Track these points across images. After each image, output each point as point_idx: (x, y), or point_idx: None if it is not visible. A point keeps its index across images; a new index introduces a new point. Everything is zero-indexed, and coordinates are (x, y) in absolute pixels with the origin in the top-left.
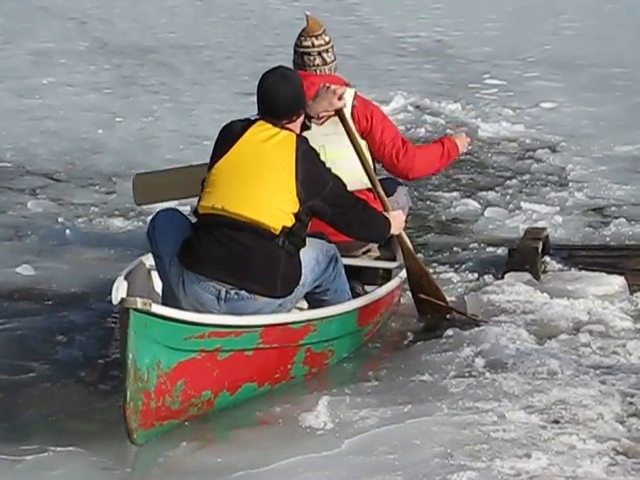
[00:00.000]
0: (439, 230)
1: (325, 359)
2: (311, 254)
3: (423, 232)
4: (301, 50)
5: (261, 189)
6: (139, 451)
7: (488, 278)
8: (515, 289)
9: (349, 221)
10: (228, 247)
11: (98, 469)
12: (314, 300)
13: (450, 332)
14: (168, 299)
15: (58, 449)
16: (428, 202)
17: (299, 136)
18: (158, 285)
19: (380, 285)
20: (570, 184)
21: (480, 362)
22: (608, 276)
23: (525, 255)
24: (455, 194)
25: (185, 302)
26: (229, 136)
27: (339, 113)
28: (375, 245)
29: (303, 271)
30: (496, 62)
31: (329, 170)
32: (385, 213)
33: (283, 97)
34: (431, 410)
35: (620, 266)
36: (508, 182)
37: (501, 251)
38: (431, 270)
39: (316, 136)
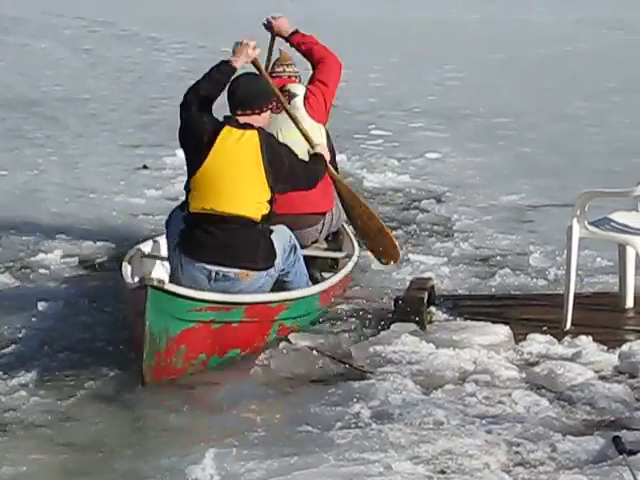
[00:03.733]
0: None
1: (293, 332)
2: (279, 244)
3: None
4: (275, 74)
5: (240, 187)
6: None
7: (374, 329)
8: (401, 339)
9: (299, 182)
10: (217, 237)
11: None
12: (279, 282)
13: (337, 383)
14: (172, 279)
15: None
16: None
17: (259, 130)
18: (148, 268)
19: (333, 272)
20: (456, 234)
21: (366, 413)
22: (493, 326)
23: (411, 305)
24: None
25: (184, 282)
26: (202, 142)
27: (254, 63)
28: (322, 237)
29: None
30: (381, 113)
31: (284, 147)
32: (314, 150)
33: (249, 90)
34: (318, 461)
35: (505, 315)
36: (394, 233)
37: (387, 301)
38: (316, 327)
39: (273, 122)
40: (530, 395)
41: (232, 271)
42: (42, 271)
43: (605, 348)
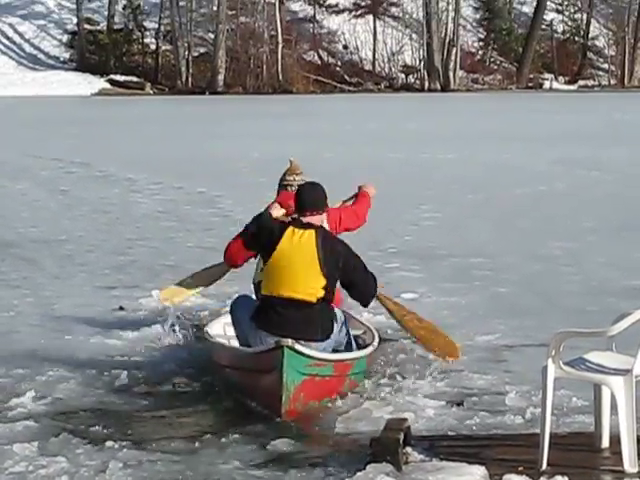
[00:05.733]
0: (303, 424)
1: (355, 387)
2: (335, 324)
3: (285, 425)
4: (285, 182)
5: (298, 276)
6: None
7: (350, 470)
8: None
9: (359, 289)
10: (283, 315)
11: None
12: (334, 350)
13: None
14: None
15: None
16: None
17: (317, 229)
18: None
19: (370, 343)
20: (432, 374)
21: None
22: (469, 466)
23: (386, 446)
24: None
25: None
26: (271, 239)
27: None
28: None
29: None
30: (357, 252)
31: (342, 245)
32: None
33: (316, 195)
34: None
35: (481, 456)
36: (371, 372)
37: (363, 442)
38: (290, 462)
39: None
40: None
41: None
42: (18, 411)
43: None
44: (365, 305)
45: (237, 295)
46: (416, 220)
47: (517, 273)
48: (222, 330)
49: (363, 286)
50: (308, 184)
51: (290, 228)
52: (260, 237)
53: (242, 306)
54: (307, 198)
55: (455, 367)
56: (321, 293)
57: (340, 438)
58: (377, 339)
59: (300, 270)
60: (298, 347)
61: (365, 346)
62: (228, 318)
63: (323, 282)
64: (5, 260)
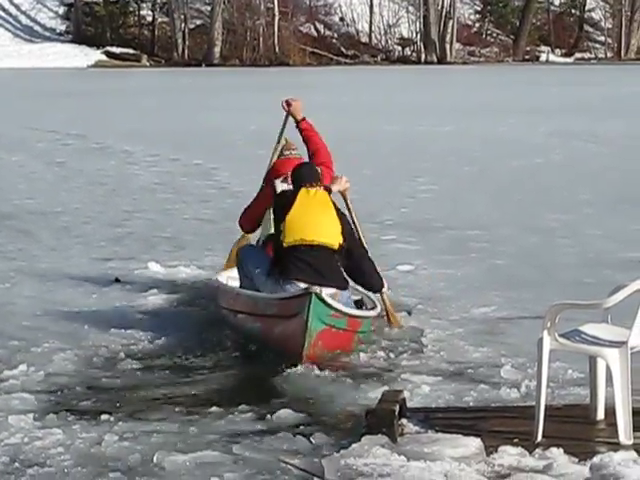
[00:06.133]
0: (300, 396)
1: (362, 344)
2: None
3: (280, 397)
4: (283, 157)
5: (322, 221)
6: None
7: (345, 441)
8: (372, 452)
9: (362, 269)
10: (309, 262)
11: None
12: None
13: None
14: None
15: None
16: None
17: (327, 190)
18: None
19: (373, 308)
20: (427, 346)
21: None
22: (465, 438)
23: (382, 418)
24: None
25: None
26: (288, 200)
27: (344, 193)
28: None
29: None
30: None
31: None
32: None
33: (311, 171)
34: None
35: (476, 428)
36: (367, 346)
37: (358, 414)
38: (285, 433)
39: None
40: None
41: (328, 291)
42: (13, 383)
43: (576, 460)
44: (367, 287)
45: (245, 246)
46: (412, 192)
47: (513, 245)
48: (227, 282)
49: (361, 261)
50: (304, 164)
51: (303, 188)
52: (281, 198)
53: (253, 257)
54: (306, 173)
55: (450, 340)
56: (340, 239)
57: (336, 410)
58: (379, 306)
59: (321, 215)
60: (324, 296)
61: (370, 309)
62: (231, 273)
63: (340, 228)
64: (1, 232)
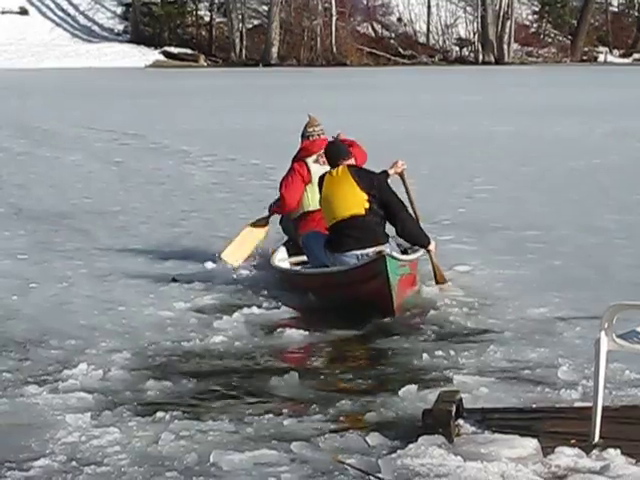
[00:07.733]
0: (356, 396)
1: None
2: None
3: (339, 398)
4: (307, 133)
5: (346, 197)
6: None
7: (402, 441)
8: (429, 452)
9: (404, 222)
10: (350, 234)
11: None
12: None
13: None
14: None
15: None
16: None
17: (349, 165)
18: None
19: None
20: (484, 347)
21: None
22: (521, 439)
23: (438, 418)
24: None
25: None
26: (321, 182)
27: (401, 174)
28: None
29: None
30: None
31: (375, 173)
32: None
33: (340, 148)
34: None
35: (533, 428)
36: (423, 343)
37: (415, 414)
38: (342, 433)
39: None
40: None
41: (370, 250)
42: (71, 383)
43: (634, 462)
44: (410, 238)
45: (309, 233)
46: (470, 192)
47: (571, 245)
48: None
49: (399, 211)
50: (331, 143)
51: (327, 174)
52: (320, 183)
53: (315, 240)
54: (335, 152)
55: (507, 341)
56: (366, 204)
57: (392, 410)
58: (420, 251)
59: (343, 192)
60: (393, 253)
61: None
62: (280, 255)
63: (364, 196)
64: (59, 231)
